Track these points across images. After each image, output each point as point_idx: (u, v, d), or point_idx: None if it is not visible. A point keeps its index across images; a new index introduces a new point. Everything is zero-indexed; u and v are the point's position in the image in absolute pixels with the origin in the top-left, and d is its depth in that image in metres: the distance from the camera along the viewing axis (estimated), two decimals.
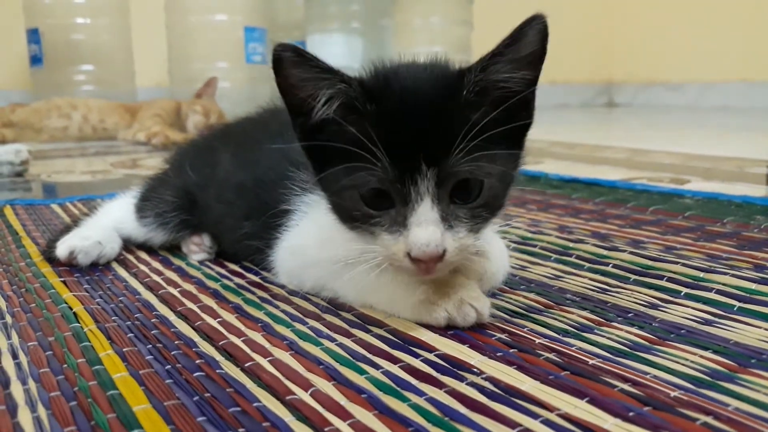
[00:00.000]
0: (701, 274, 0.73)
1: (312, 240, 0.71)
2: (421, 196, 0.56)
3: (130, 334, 0.63)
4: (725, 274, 0.73)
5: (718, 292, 0.68)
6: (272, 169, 0.77)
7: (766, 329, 0.59)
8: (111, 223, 0.92)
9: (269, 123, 0.86)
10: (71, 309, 0.69)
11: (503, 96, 0.58)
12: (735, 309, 0.64)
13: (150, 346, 0.60)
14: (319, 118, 0.59)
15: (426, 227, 0.56)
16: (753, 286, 0.69)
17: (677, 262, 0.78)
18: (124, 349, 0.59)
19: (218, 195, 0.83)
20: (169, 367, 0.55)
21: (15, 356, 0.58)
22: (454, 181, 0.57)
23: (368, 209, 0.59)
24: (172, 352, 0.58)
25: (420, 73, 0.61)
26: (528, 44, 0.57)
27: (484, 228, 0.61)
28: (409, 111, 0.57)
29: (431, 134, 0.56)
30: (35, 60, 3.14)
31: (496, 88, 0.58)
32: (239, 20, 3.25)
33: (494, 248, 0.71)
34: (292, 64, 0.57)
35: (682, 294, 0.69)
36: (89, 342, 0.61)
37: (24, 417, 0.48)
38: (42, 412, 0.48)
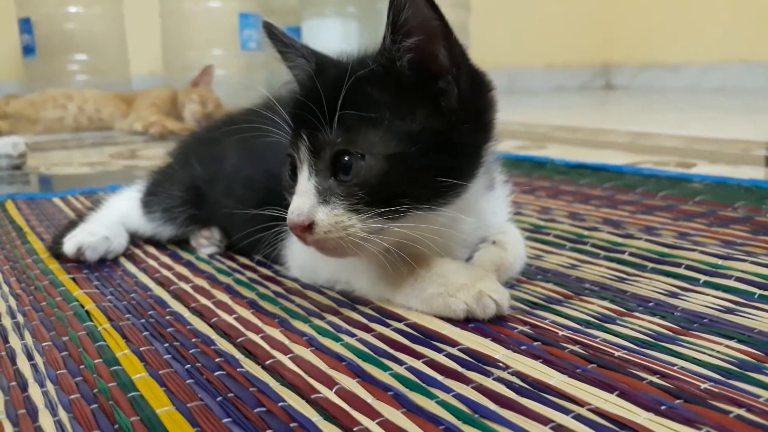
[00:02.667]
0: (719, 261, 0.73)
1: None
2: (302, 164, 0.60)
3: (146, 333, 0.62)
4: (743, 261, 0.73)
5: (738, 279, 0.68)
6: (281, 160, 0.75)
7: None
8: (117, 217, 0.91)
9: (275, 112, 0.85)
10: (83, 307, 0.68)
11: (403, 73, 0.58)
12: (756, 296, 0.64)
13: (167, 344, 0.59)
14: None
15: (297, 196, 0.59)
16: None
17: (694, 249, 0.77)
18: (141, 349, 0.58)
19: (226, 188, 0.82)
20: (188, 366, 0.54)
21: (30, 357, 0.57)
22: (330, 152, 0.58)
23: (288, 179, 0.64)
24: (191, 351, 0.57)
25: (355, 56, 0.63)
26: (417, 8, 0.56)
27: (372, 211, 0.57)
28: (316, 87, 0.59)
29: (318, 106, 0.58)
30: (28, 50, 3.10)
31: (396, 64, 0.58)
32: (234, 7, 3.22)
33: (510, 238, 0.70)
34: (268, 34, 0.66)
35: (701, 282, 0.68)
36: (105, 341, 0.60)
37: (45, 420, 0.47)
38: (63, 415, 0.47)
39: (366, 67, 0.59)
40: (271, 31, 0.66)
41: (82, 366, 0.55)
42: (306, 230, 0.58)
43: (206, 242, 0.87)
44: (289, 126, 0.62)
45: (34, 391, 0.51)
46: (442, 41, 0.58)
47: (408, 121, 0.58)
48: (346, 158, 0.58)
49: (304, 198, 0.58)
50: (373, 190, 0.58)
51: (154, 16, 3.26)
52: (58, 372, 0.54)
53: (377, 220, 0.58)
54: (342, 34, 3.23)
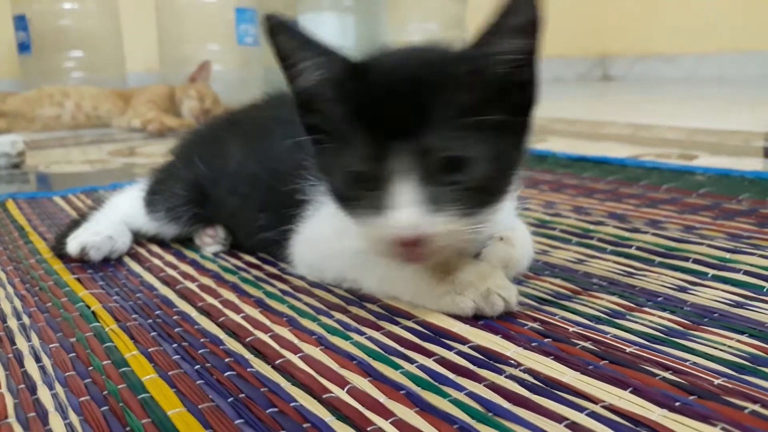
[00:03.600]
0: (727, 255, 0.73)
1: (330, 230, 0.69)
2: (401, 175, 0.54)
3: (153, 333, 0.61)
4: (751, 254, 0.72)
5: (746, 273, 0.67)
6: (286, 158, 0.75)
7: None
8: (120, 216, 0.90)
9: (279, 110, 0.85)
10: (89, 308, 0.68)
11: (497, 74, 0.55)
12: (765, 290, 0.63)
13: (175, 345, 0.58)
14: (302, 88, 0.59)
15: (404, 209, 0.53)
16: None
17: (701, 243, 0.77)
18: (150, 349, 0.58)
19: (231, 187, 0.82)
20: (198, 367, 0.54)
21: (38, 359, 0.57)
22: (437, 158, 0.54)
23: (353, 192, 0.57)
24: (200, 351, 0.57)
25: (412, 53, 0.60)
26: (521, 12, 0.54)
27: (479, 213, 0.57)
28: (393, 88, 0.55)
29: (414, 111, 0.54)
30: (23, 47, 3.09)
31: (489, 67, 0.55)
32: (230, 1, 3.20)
33: (518, 234, 0.70)
34: (279, 31, 0.57)
35: (710, 276, 0.68)
36: (112, 342, 0.60)
37: (56, 423, 0.47)
38: (74, 418, 0.47)
39: (448, 66, 0.56)
40: (283, 25, 0.57)
41: (91, 368, 0.55)
42: (415, 244, 0.54)
43: (211, 241, 0.86)
44: (362, 135, 0.55)
45: (44, 394, 0.51)
46: (534, 54, 0.56)
47: (496, 121, 0.55)
48: (455, 162, 0.55)
49: (411, 209, 0.53)
50: (481, 193, 0.56)
51: (150, 12, 3.24)
52: (67, 374, 0.54)
53: (476, 221, 0.57)
54: (339, 28, 3.21)
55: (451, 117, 0.54)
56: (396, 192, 0.54)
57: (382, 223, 0.55)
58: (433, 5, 3.48)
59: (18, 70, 3.17)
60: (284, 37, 0.57)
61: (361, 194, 0.56)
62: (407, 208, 0.54)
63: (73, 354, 0.58)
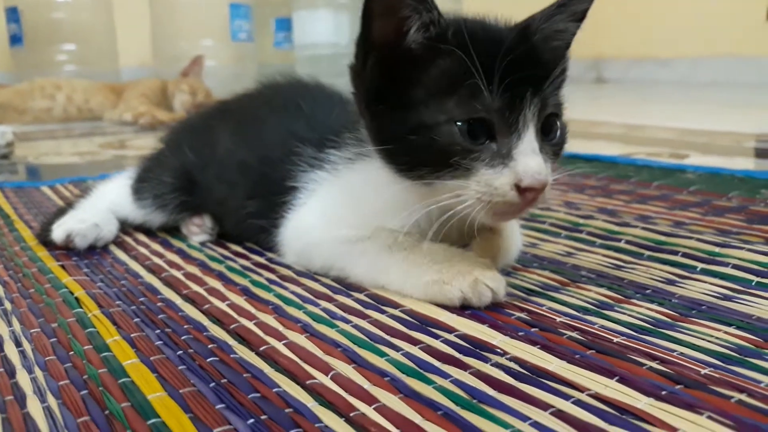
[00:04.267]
0: (716, 249, 0.72)
1: (320, 218, 0.69)
2: (527, 124, 0.56)
3: (137, 319, 0.61)
4: (739, 248, 0.72)
5: (735, 266, 0.67)
6: (277, 145, 0.74)
7: None
8: (107, 204, 0.89)
9: (271, 99, 0.84)
10: (72, 294, 0.67)
11: (558, 45, 0.61)
12: (753, 284, 0.63)
13: (159, 331, 0.58)
14: (408, 45, 0.57)
15: (534, 156, 0.55)
16: None
17: (690, 237, 0.77)
18: (132, 335, 0.57)
19: (219, 174, 0.81)
20: (180, 352, 0.53)
21: (18, 344, 0.56)
22: (545, 114, 0.58)
23: (468, 143, 0.56)
24: (183, 337, 0.56)
25: (485, 21, 0.61)
26: (584, 1, 0.60)
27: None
28: (501, 45, 0.56)
29: (528, 67, 0.56)
30: (15, 39, 3.07)
31: (554, 39, 0.60)
32: None
33: (507, 225, 0.69)
34: None
35: (698, 269, 0.67)
36: (95, 328, 0.59)
37: (34, 407, 0.46)
38: (52, 401, 0.46)
39: (521, 32, 0.59)
40: None
41: (72, 352, 0.54)
42: (540, 191, 0.56)
43: (197, 230, 0.85)
44: (492, 86, 0.55)
45: (22, 378, 0.50)
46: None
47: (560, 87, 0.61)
48: (554, 120, 0.59)
49: (540, 157, 0.56)
50: (560, 149, 0.61)
51: (144, 7, 3.22)
52: (47, 358, 0.53)
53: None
54: (333, 25, 3.21)
55: (552, 77, 0.57)
56: (525, 139, 0.56)
57: (507, 172, 0.55)
58: None
59: (10, 62, 3.15)
60: None
61: (475, 146, 0.56)
62: (536, 156, 0.56)
63: (54, 339, 0.57)
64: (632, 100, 3.03)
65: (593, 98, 3.35)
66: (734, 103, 2.70)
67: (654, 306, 0.59)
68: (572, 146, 1.51)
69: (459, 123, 0.56)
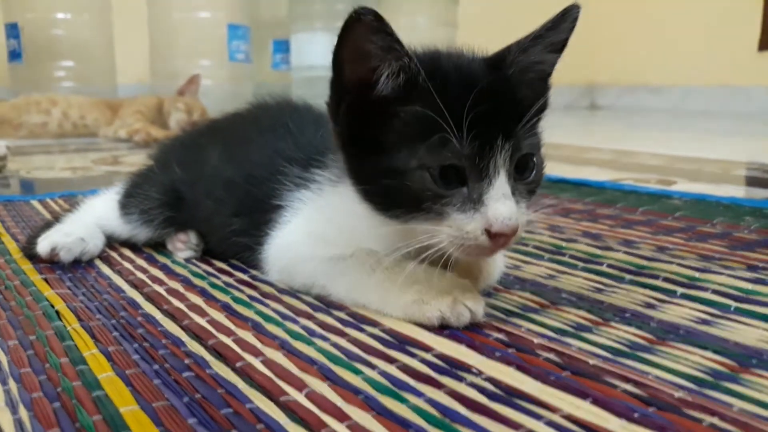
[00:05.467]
0: (696, 274, 0.73)
1: (304, 237, 0.69)
2: (498, 170, 0.56)
3: (115, 333, 0.60)
4: (720, 274, 0.73)
5: (715, 291, 0.68)
6: (263, 165, 0.75)
7: (764, 329, 0.59)
8: (94, 219, 0.89)
9: (260, 118, 0.85)
10: (53, 307, 0.67)
11: (536, 77, 0.61)
12: (732, 309, 0.64)
13: (136, 345, 0.58)
14: (380, 93, 0.57)
15: (504, 201, 0.56)
16: (749, 286, 0.69)
17: (671, 262, 0.77)
18: (110, 349, 0.57)
19: (206, 191, 0.81)
20: (156, 367, 0.53)
21: None
22: (518, 155, 0.57)
23: (440, 189, 0.56)
24: (160, 352, 0.56)
25: (462, 55, 0.61)
26: (563, 30, 0.60)
27: (528, 207, 0.61)
28: (472, 88, 0.56)
29: (501, 109, 0.56)
30: (14, 55, 3.08)
31: (531, 71, 0.60)
32: (222, 17, 3.22)
33: None
34: (370, 28, 0.55)
35: (679, 294, 0.68)
36: (72, 341, 0.59)
37: (4, 419, 0.46)
38: (23, 413, 0.46)
39: (496, 68, 0.59)
40: (381, 20, 0.54)
41: (47, 365, 0.54)
42: (511, 235, 0.56)
43: (183, 246, 0.85)
44: (462, 132, 0.55)
45: None
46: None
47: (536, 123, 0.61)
48: (528, 161, 0.59)
49: (511, 202, 0.56)
50: (536, 188, 0.61)
51: (143, 25, 3.25)
52: (22, 370, 0.53)
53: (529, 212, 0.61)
54: (331, 47, 3.24)
55: (526, 117, 0.57)
56: (495, 185, 0.56)
57: (478, 218, 0.56)
58: (424, 29, 3.50)
59: (8, 78, 3.16)
60: (377, 36, 0.55)
61: (447, 191, 0.56)
62: (507, 201, 0.56)
63: (31, 351, 0.57)
64: (624, 127, 3.06)
65: (586, 124, 3.38)
66: (724, 131, 2.73)
67: (632, 329, 0.59)
68: (562, 171, 1.53)
69: (430, 169, 0.56)
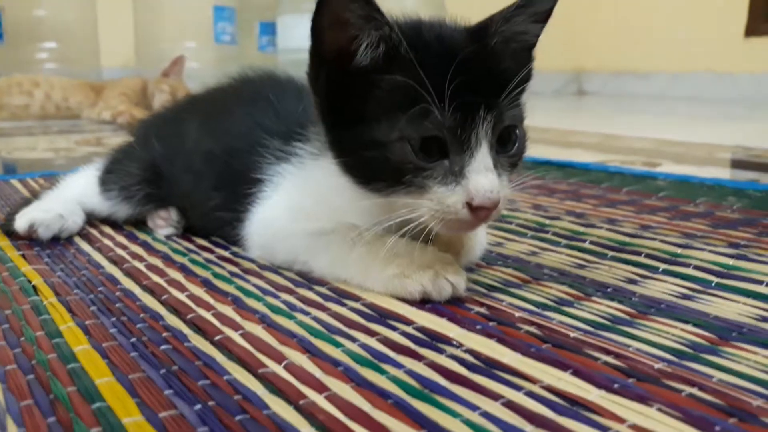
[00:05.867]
0: (678, 251, 0.73)
1: (285, 211, 0.68)
2: (480, 142, 0.55)
3: (93, 307, 0.60)
4: (702, 250, 0.73)
5: (696, 267, 0.68)
6: (244, 137, 0.74)
7: (744, 304, 0.59)
8: (73, 196, 0.88)
9: (241, 91, 0.84)
10: (30, 282, 0.66)
11: (519, 48, 0.59)
12: (713, 284, 0.64)
13: (114, 319, 0.57)
14: (359, 63, 0.56)
15: (486, 174, 0.55)
16: (730, 261, 0.69)
17: (654, 239, 0.77)
18: (87, 322, 0.56)
19: (186, 166, 0.80)
20: (134, 340, 0.52)
21: None
22: (501, 127, 0.57)
23: (420, 161, 0.56)
24: (138, 326, 0.55)
25: (445, 26, 0.60)
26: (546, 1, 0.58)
27: (511, 180, 0.60)
28: (454, 58, 0.55)
29: (483, 80, 0.56)
30: None
31: (515, 41, 0.59)
32: None
33: None
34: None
35: (660, 270, 0.68)
36: (49, 315, 0.58)
37: None
38: None
39: (479, 38, 0.58)
40: None
41: (23, 338, 0.53)
42: (493, 208, 0.56)
43: (163, 223, 0.84)
44: (443, 104, 0.54)
45: None
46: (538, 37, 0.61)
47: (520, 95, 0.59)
48: (511, 132, 0.58)
49: (493, 174, 0.55)
50: (521, 159, 0.61)
51: (127, 7, 3.20)
52: None
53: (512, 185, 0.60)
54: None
55: (510, 87, 0.56)
56: (477, 157, 0.55)
57: (459, 190, 0.55)
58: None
59: None
60: (354, 4, 0.54)
61: (428, 163, 0.56)
62: (489, 174, 0.55)
63: (6, 325, 0.56)
64: (611, 112, 3.06)
65: (573, 109, 3.38)
66: (710, 116, 2.74)
67: (614, 304, 0.59)
68: (548, 153, 1.53)
69: (411, 141, 0.55)
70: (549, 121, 2.40)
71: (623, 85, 4.11)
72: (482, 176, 0.55)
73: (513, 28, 0.59)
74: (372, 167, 0.58)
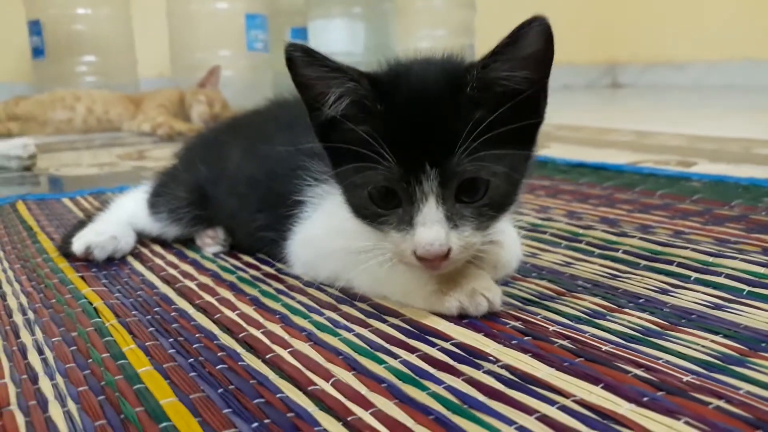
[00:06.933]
0: (710, 259, 0.74)
1: (325, 231, 0.72)
2: (426, 195, 0.57)
3: (151, 329, 0.64)
4: (734, 258, 0.74)
5: (728, 276, 0.69)
6: (284, 160, 0.77)
7: None
8: (125, 217, 0.93)
9: (279, 115, 0.87)
10: (91, 304, 0.71)
11: (505, 94, 0.58)
12: (744, 293, 0.65)
13: (172, 339, 0.61)
14: (328, 115, 0.60)
15: (430, 227, 0.57)
16: (762, 270, 0.70)
17: (686, 247, 0.79)
18: (147, 344, 0.60)
19: (230, 189, 0.84)
20: (192, 360, 0.56)
21: (41, 352, 0.60)
22: (458, 180, 0.58)
23: (376, 208, 0.60)
24: (194, 346, 0.59)
25: (429, 70, 0.62)
26: (528, 45, 0.56)
27: (491, 225, 0.62)
28: (415, 110, 0.58)
29: (435, 133, 0.57)
30: (37, 52, 3.14)
31: (497, 86, 0.58)
32: (240, 7, 3.24)
33: (507, 237, 0.72)
34: (302, 63, 0.59)
35: (692, 279, 0.69)
36: (111, 337, 0.62)
37: (55, 411, 0.49)
38: (72, 406, 0.50)
39: (464, 85, 0.58)
40: (310, 54, 0.58)
41: (90, 360, 0.57)
42: (443, 259, 0.58)
43: (211, 241, 0.89)
44: (391, 157, 0.57)
45: (45, 384, 0.54)
46: (543, 79, 0.59)
47: (508, 137, 0.58)
48: (476, 183, 0.58)
49: (438, 227, 0.57)
50: (497, 208, 0.60)
51: (162, 18, 3.29)
52: (67, 366, 0.56)
53: (489, 231, 0.61)
54: (349, 34, 3.25)
55: (471, 136, 0.56)
56: (423, 210, 0.58)
57: (409, 239, 0.58)
58: (441, 12, 3.51)
59: (32, 74, 3.22)
60: (311, 68, 0.58)
61: (385, 210, 0.60)
62: (433, 226, 0.57)
63: (74, 347, 0.60)
64: (645, 106, 3.04)
65: (607, 104, 3.36)
66: (749, 107, 2.70)
67: (645, 315, 0.61)
68: (582, 154, 1.54)
69: (368, 189, 0.59)
70: (582, 119, 2.40)
71: (658, 76, 4.06)
72: (426, 229, 0.57)
73: (490, 75, 0.57)
74: (350, 204, 0.64)
